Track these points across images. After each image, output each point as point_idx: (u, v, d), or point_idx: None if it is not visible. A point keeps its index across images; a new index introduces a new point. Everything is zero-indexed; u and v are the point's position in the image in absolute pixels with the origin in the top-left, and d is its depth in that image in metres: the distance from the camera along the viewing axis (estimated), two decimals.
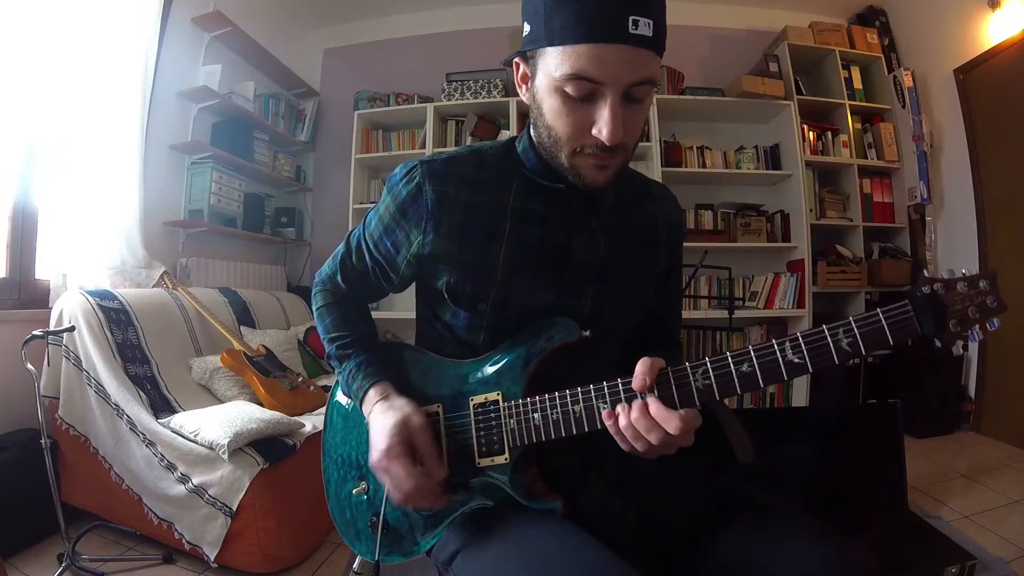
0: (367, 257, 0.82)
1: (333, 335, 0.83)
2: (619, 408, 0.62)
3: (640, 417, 0.60)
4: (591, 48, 0.59)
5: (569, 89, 0.62)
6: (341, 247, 0.87)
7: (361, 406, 0.77)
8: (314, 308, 0.89)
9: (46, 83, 1.98)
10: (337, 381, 0.85)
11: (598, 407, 0.64)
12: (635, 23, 0.58)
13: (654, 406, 0.60)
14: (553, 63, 0.62)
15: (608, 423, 0.62)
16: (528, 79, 0.69)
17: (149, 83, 2.33)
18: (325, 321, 0.85)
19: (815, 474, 1.58)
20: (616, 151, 0.65)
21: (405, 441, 0.69)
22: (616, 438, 0.62)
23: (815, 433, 1.61)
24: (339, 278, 0.87)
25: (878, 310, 0.54)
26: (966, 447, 2.64)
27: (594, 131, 0.63)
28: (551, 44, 0.62)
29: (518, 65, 0.71)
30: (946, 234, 3.12)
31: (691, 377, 0.60)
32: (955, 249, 3.04)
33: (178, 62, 2.61)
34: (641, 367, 0.61)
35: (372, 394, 0.75)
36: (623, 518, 0.76)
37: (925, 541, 1.52)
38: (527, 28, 0.65)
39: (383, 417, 0.71)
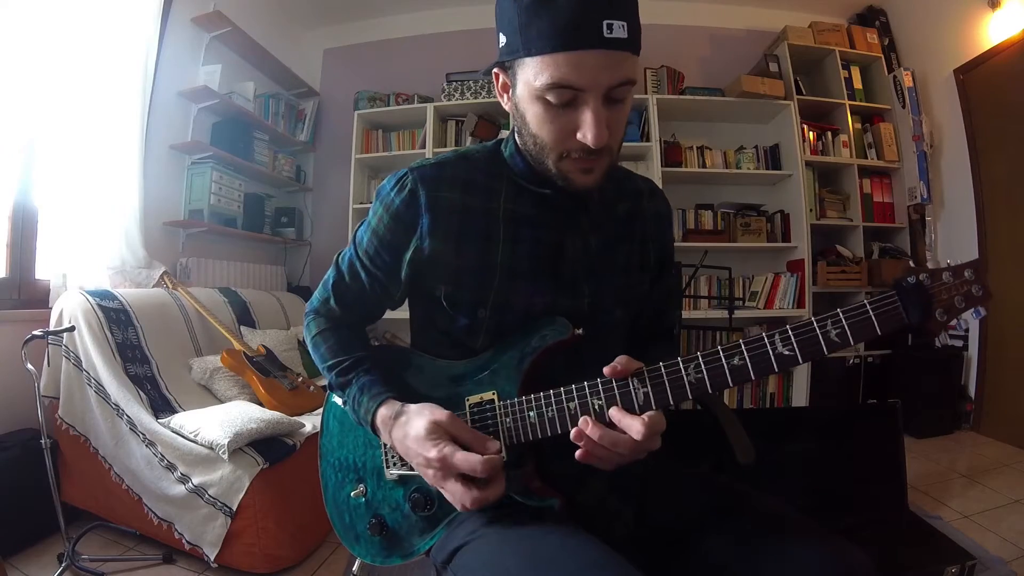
0: (363, 275, 0.80)
1: (331, 362, 0.79)
2: (581, 421, 0.62)
3: (605, 433, 0.61)
4: (568, 56, 0.60)
5: (550, 97, 0.62)
6: (330, 272, 0.84)
7: (375, 431, 0.73)
8: (308, 338, 0.84)
9: (46, 83, 1.98)
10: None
11: (593, 403, 0.64)
12: (609, 27, 0.58)
13: (616, 413, 0.61)
14: (532, 73, 0.62)
15: (579, 453, 0.63)
16: (508, 88, 0.70)
17: (149, 83, 2.33)
18: (321, 349, 0.81)
19: (815, 474, 1.58)
20: (602, 153, 0.66)
21: (449, 439, 0.66)
22: (590, 461, 0.63)
23: (815, 433, 1.61)
24: (333, 303, 0.83)
25: (865, 301, 0.55)
26: (966, 447, 2.64)
27: (579, 136, 0.63)
28: (528, 54, 0.62)
29: (498, 75, 0.71)
30: (946, 234, 3.12)
31: (683, 371, 0.61)
32: (955, 249, 3.03)
33: (178, 62, 2.61)
34: (620, 359, 0.63)
35: (382, 417, 0.71)
36: (621, 517, 0.76)
37: (925, 541, 1.52)
38: (503, 39, 0.66)
39: (408, 430, 0.68)
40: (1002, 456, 2.47)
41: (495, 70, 0.71)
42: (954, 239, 3.06)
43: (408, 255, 0.75)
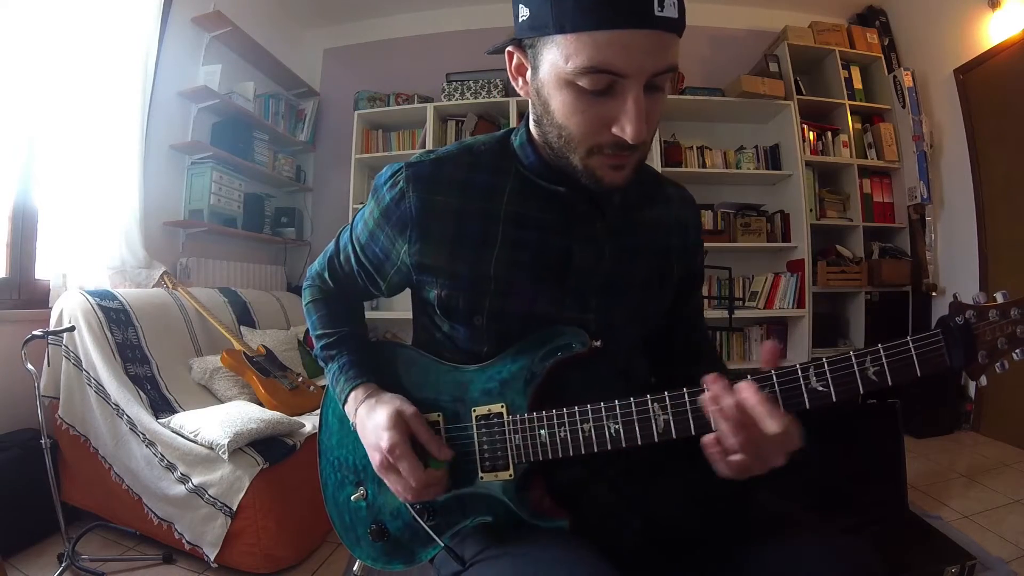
0: (353, 261, 0.79)
1: (319, 332, 0.81)
2: (707, 394, 0.55)
3: (740, 412, 0.54)
4: (613, 35, 0.51)
5: (584, 83, 0.54)
6: (331, 245, 0.84)
7: (345, 410, 0.73)
8: (303, 303, 0.86)
9: (46, 83, 1.98)
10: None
11: (609, 427, 0.60)
12: (660, 3, 0.50)
13: (748, 391, 0.53)
14: (563, 53, 0.53)
15: (708, 445, 0.56)
16: (526, 71, 0.61)
17: (149, 83, 2.33)
18: (312, 317, 0.83)
19: (815, 474, 1.58)
20: (636, 148, 0.58)
21: (405, 434, 0.65)
22: (710, 450, 0.56)
23: (815, 433, 1.60)
24: (327, 276, 0.84)
25: (909, 339, 0.51)
26: (966, 447, 2.64)
27: (615, 129, 0.56)
28: (561, 31, 0.53)
29: (511, 54, 0.62)
30: (946, 234, 3.12)
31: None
32: (955, 249, 3.04)
33: (178, 62, 2.61)
34: (711, 387, 0.56)
35: (354, 396, 0.71)
36: (629, 524, 0.74)
37: (925, 541, 1.52)
38: (525, 12, 0.56)
39: (372, 415, 0.67)
40: (1002, 456, 2.47)
41: (509, 48, 0.62)
42: (954, 239, 3.06)
43: (397, 255, 0.71)
